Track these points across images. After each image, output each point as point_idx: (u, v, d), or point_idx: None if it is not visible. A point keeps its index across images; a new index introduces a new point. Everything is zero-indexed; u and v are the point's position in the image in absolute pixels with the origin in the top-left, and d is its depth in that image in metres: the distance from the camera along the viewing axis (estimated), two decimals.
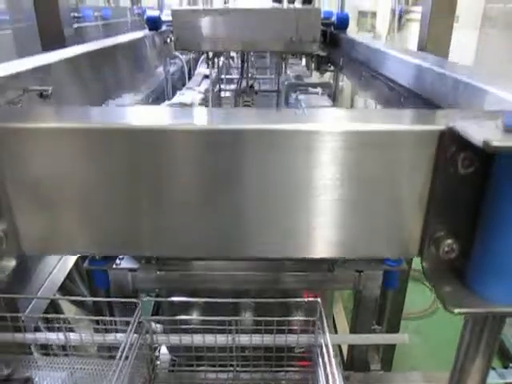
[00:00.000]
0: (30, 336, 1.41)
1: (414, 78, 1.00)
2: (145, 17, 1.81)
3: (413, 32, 5.51)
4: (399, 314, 2.06)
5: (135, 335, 1.31)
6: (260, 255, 0.48)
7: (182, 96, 2.91)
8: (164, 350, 1.61)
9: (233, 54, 3.22)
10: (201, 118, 0.48)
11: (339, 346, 2.17)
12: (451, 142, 0.42)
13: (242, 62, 2.22)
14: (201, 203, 0.47)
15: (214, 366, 1.45)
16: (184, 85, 3.75)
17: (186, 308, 1.57)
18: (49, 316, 1.41)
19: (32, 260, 1.39)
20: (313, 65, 2.75)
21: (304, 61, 3.74)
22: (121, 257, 1.46)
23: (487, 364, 0.48)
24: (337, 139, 0.43)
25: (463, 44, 3.71)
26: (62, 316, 1.45)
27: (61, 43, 1.51)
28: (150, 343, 1.39)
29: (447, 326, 2.17)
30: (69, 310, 2.18)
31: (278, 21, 1.50)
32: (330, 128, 0.43)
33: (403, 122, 0.46)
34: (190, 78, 3.90)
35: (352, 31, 6.38)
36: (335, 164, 0.45)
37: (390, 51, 1.14)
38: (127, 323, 1.35)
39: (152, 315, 1.42)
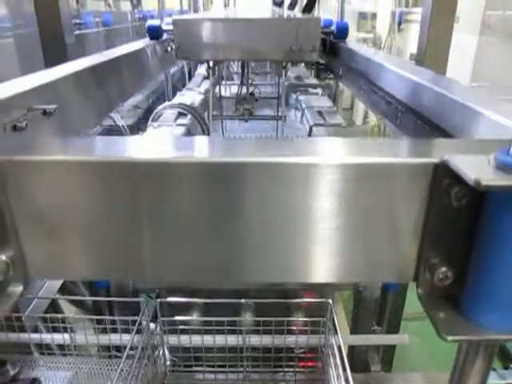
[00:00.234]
0: (35, 336, 1.43)
1: (412, 94, 1.02)
2: (146, 25, 1.82)
3: (413, 33, 5.51)
4: (399, 315, 2.07)
5: (139, 335, 1.33)
6: (260, 280, 0.50)
7: (182, 97, 2.93)
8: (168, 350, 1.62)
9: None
10: (201, 150, 0.50)
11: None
12: (445, 175, 0.44)
13: (243, 69, 2.23)
14: (202, 232, 0.48)
15: (224, 366, 1.48)
16: (184, 85, 3.77)
17: (187, 308, 1.58)
18: (49, 316, 1.42)
19: None
20: (312, 72, 2.76)
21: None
22: None
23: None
24: (334, 172, 0.45)
25: (463, 46, 3.71)
26: (64, 316, 1.47)
27: (62, 52, 1.52)
28: (154, 343, 1.41)
29: None
30: (69, 311, 2.20)
31: (278, 30, 1.52)
32: (327, 161, 0.45)
33: (398, 154, 0.48)
34: (190, 79, 3.92)
35: (352, 33, 6.40)
36: (333, 195, 0.46)
37: (389, 65, 1.15)
38: (128, 323, 1.37)
39: (153, 315, 1.44)
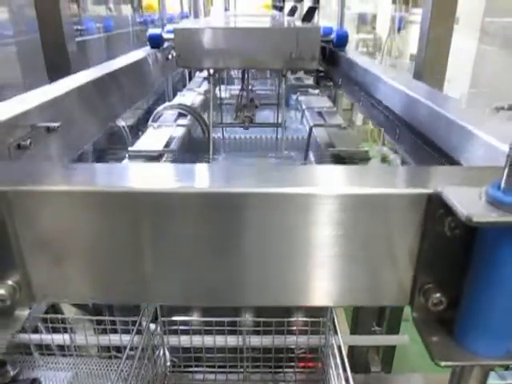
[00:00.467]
0: (35, 337, 1.44)
1: (410, 110, 1.03)
2: (147, 34, 1.84)
3: (413, 34, 5.50)
4: (399, 316, 2.08)
5: (139, 336, 1.33)
6: (260, 304, 0.51)
7: (182, 97, 2.94)
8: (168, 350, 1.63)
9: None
10: (202, 180, 0.51)
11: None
12: (438, 205, 0.45)
13: (243, 76, 2.24)
14: (202, 259, 0.50)
15: (224, 366, 1.48)
16: (184, 86, 3.77)
17: (187, 309, 1.58)
18: (50, 316, 1.43)
19: None
20: (312, 79, 2.77)
21: None
22: None
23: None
24: (333, 202, 0.47)
25: (462, 49, 3.72)
26: (64, 316, 1.48)
27: (64, 61, 1.54)
28: (154, 344, 1.42)
29: None
30: (69, 311, 2.21)
31: (278, 39, 1.53)
32: (326, 192, 0.47)
33: (394, 184, 0.49)
34: (190, 79, 3.92)
35: (352, 34, 6.37)
36: (331, 223, 0.48)
37: (388, 79, 1.16)
38: (128, 323, 1.37)
39: (153, 316, 1.45)
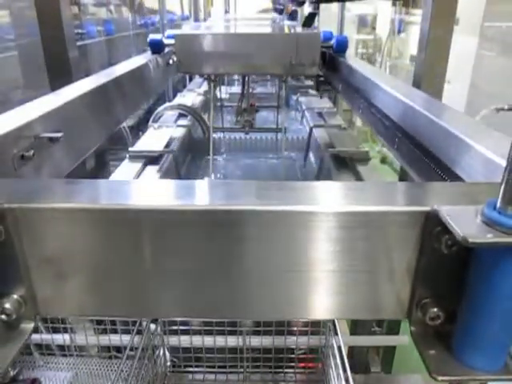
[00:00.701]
0: (35, 337, 1.44)
1: (409, 119, 1.03)
2: (148, 40, 1.85)
3: (413, 34, 5.50)
4: None
5: (139, 336, 1.34)
6: (261, 318, 0.53)
7: (182, 98, 2.95)
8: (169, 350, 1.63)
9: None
10: (202, 197, 0.52)
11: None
12: (436, 223, 0.46)
13: (243, 81, 2.25)
14: (203, 275, 0.51)
15: (224, 367, 1.48)
16: (185, 86, 3.78)
17: None
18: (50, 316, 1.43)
19: None
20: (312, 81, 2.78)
21: None
22: None
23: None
24: (332, 219, 0.48)
25: (462, 50, 3.72)
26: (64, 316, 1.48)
27: (66, 66, 1.54)
28: (154, 344, 1.42)
29: None
30: None
31: (278, 45, 1.54)
32: (325, 209, 0.48)
33: (392, 201, 0.50)
34: (190, 80, 3.93)
35: (352, 35, 6.35)
36: (330, 240, 0.49)
37: (388, 88, 1.16)
38: (128, 323, 1.38)
39: None
